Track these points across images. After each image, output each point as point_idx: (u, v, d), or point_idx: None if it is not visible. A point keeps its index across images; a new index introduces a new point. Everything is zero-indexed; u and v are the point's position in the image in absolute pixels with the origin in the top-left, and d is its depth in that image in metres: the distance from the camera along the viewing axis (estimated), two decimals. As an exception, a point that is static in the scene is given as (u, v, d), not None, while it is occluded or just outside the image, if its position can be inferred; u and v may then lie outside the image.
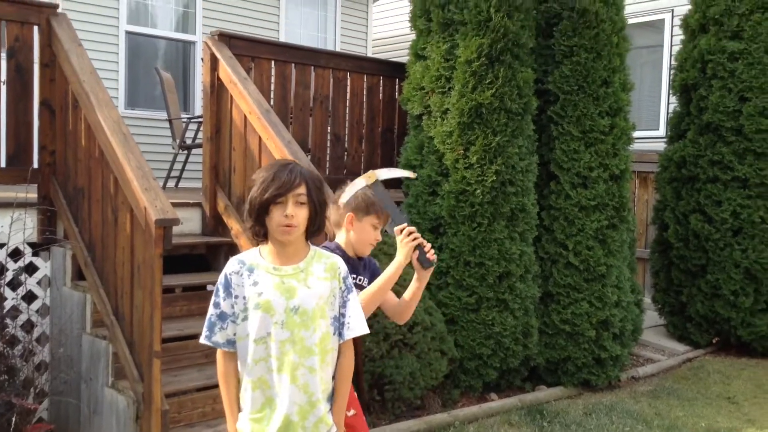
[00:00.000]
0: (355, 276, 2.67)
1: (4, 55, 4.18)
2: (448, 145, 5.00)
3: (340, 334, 2.17)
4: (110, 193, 3.71)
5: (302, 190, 2.05)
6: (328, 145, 5.71)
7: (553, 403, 5.01)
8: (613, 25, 5.28)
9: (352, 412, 2.75)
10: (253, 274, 2.08)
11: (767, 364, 6.05)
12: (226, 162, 4.69)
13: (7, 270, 4.07)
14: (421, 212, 5.11)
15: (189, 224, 4.77)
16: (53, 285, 4.21)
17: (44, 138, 4.27)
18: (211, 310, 2.12)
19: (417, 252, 2.46)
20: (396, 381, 4.39)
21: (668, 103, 8.34)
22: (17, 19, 4.16)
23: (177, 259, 4.47)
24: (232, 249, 4.65)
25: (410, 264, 2.53)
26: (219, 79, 4.69)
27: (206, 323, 2.12)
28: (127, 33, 7.58)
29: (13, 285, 4.10)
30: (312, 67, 5.53)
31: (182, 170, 6.74)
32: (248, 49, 5.08)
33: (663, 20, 8.64)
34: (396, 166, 5.74)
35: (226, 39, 4.85)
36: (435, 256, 2.47)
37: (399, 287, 2.80)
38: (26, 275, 4.14)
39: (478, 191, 4.88)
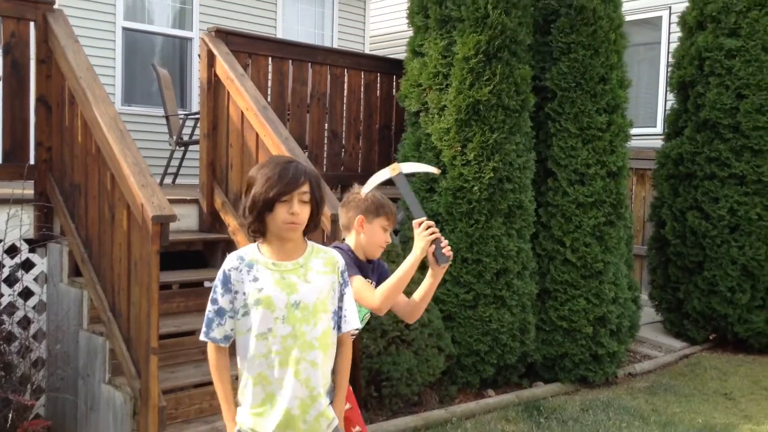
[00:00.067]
0: (364, 279, 2.67)
1: (0, 51, 4.17)
2: (446, 142, 5.00)
3: (339, 328, 2.21)
4: (107, 190, 3.70)
5: (306, 188, 2.08)
6: (326, 141, 5.71)
7: (550, 399, 5.01)
8: (611, 22, 5.28)
9: (348, 406, 2.75)
10: (253, 270, 2.08)
11: (764, 360, 6.07)
12: (223, 158, 4.69)
13: (4, 266, 4.06)
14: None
15: (186, 221, 4.76)
16: (50, 281, 4.20)
17: (41, 134, 4.26)
18: (209, 307, 2.12)
19: (433, 246, 2.45)
20: (393, 377, 4.40)
21: (665, 100, 8.35)
22: (13, 14, 4.14)
23: (174, 256, 4.46)
24: (230, 245, 4.64)
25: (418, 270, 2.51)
26: (216, 75, 4.68)
27: (205, 320, 2.12)
28: (124, 29, 7.57)
29: (10, 281, 4.09)
30: (309, 64, 5.52)
31: (179, 167, 6.73)
32: (245, 46, 5.07)
33: (660, 17, 8.64)
34: (393, 162, 5.74)
35: (223, 35, 4.84)
36: (451, 252, 2.47)
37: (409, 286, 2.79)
38: (23, 272, 4.13)
39: (476, 188, 4.88)
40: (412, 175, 2.60)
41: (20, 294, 4.11)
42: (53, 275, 4.17)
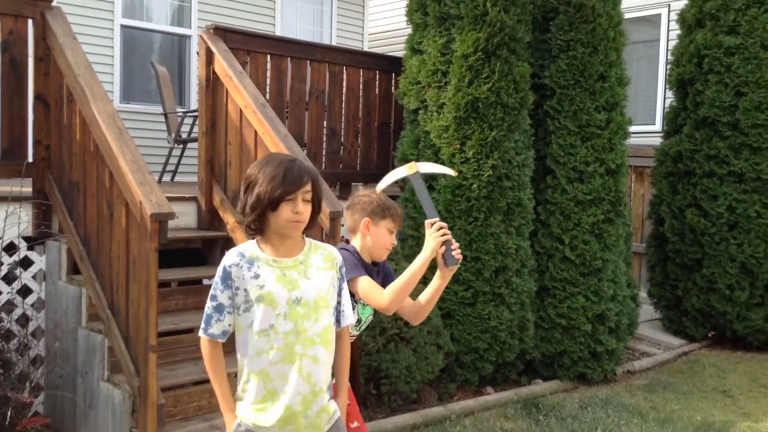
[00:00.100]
0: (371, 279, 2.66)
1: (-2, 48, 4.16)
2: (445, 139, 4.99)
3: (338, 322, 2.24)
4: (105, 187, 3.70)
5: (309, 187, 2.10)
6: (324, 139, 5.70)
7: (548, 396, 5.02)
8: (610, 20, 5.28)
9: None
10: (254, 267, 2.09)
11: (762, 357, 6.07)
12: (222, 156, 4.68)
13: (2, 264, 4.06)
14: (418, 206, 5.10)
15: (184, 218, 4.76)
16: (48, 279, 4.20)
17: (39, 132, 4.25)
18: (209, 303, 2.12)
19: (444, 248, 2.44)
20: (392, 375, 4.40)
21: (664, 98, 8.35)
22: (11, 12, 4.13)
23: (173, 254, 4.46)
24: (228, 243, 4.64)
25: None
26: (214, 73, 4.67)
27: (204, 317, 2.13)
28: (123, 27, 7.56)
29: (8, 279, 4.09)
30: (308, 61, 5.52)
31: (178, 164, 6.73)
32: (244, 43, 5.07)
33: (659, 15, 8.64)
34: (392, 161, 5.74)
35: (222, 33, 4.84)
36: (461, 256, 2.46)
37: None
38: (21, 269, 4.13)
39: (475, 186, 4.88)
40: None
41: (19, 292, 4.11)
42: (52, 273, 4.17)
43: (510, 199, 4.99)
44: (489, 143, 4.90)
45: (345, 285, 2.28)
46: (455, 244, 2.46)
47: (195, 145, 5.48)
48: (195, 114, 6.39)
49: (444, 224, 2.44)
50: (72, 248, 4.02)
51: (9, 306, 4.06)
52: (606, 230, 5.26)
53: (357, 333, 2.85)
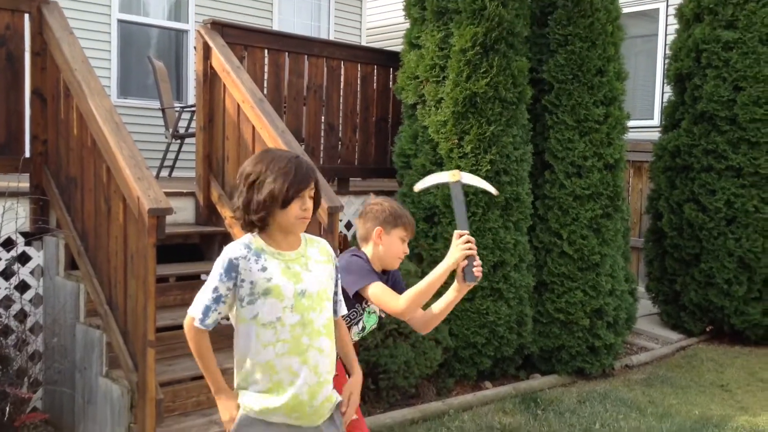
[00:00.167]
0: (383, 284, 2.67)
1: (-6, 43, 4.15)
2: (443, 134, 4.99)
3: (335, 312, 2.30)
4: (103, 183, 3.69)
5: (313, 184, 2.14)
6: (322, 134, 5.69)
7: (547, 391, 5.03)
8: (608, 14, 5.27)
9: None
10: (261, 260, 2.09)
11: (760, 352, 6.09)
12: (220, 151, 4.67)
13: (0, 260, 4.05)
14: (416, 201, 5.10)
15: (182, 214, 4.75)
16: (46, 274, 4.19)
17: (36, 127, 4.24)
18: (209, 295, 2.09)
19: (466, 262, 2.43)
20: (390, 370, 4.40)
21: (663, 93, 8.34)
22: (8, 7, 4.12)
23: (171, 249, 4.45)
24: (226, 238, 4.63)
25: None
26: (212, 67, 4.66)
27: (201, 308, 2.10)
28: (119, 21, 7.54)
29: (6, 275, 4.08)
30: (306, 56, 5.50)
31: (175, 159, 6.72)
32: (241, 38, 5.05)
33: (658, 9, 8.63)
34: (390, 156, 5.74)
35: (219, 27, 4.82)
36: (481, 274, 2.44)
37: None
38: (19, 265, 4.12)
39: (473, 180, 4.87)
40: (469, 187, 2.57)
41: (16, 287, 4.10)
42: (49, 268, 4.17)
43: (508, 194, 4.99)
44: (487, 138, 4.89)
45: (339, 278, 2.34)
46: (478, 261, 2.44)
47: (193, 140, 5.46)
48: (192, 109, 6.37)
49: (472, 239, 2.43)
50: (70, 244, 4.01)
51: (7, 302, 4.05)
52: (604, 225, 5.26)
53: (357, 339, 2.86)
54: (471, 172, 4.88)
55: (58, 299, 4.06)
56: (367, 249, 2.74)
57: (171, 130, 6.45)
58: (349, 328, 2.80)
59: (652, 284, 6.73)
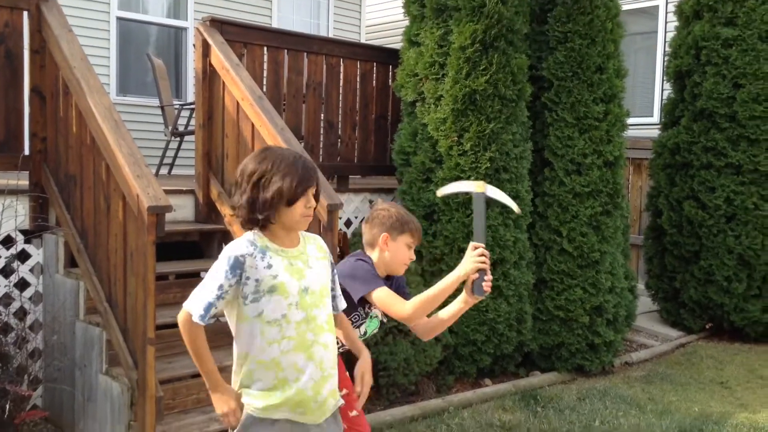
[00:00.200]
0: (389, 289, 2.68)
1: (-7, 41, 4.14)
2: (442, 131, 4.98)
3: (334, 308, 2.32)
4: (102, 180, 3.69)
5: (315, 183, 2.17)
6: (322, 132, 5.68)
7: (546, 388, 5.03)
8: (608, 11, 5.26)
9: (344, 391, 2.77)
10: (266, 257, 2.09)
11: (760, 349, 6.09)
12: (219, 149, 4.67)
13: (0, 257, 4.06)
14: (415, 199, 5.10)
15: (182, 211, 4.75)
16: (46, 272, 4.19)
17: (35, 125, 4.24)
18: (213, 291, 2.06)
19: (477, 275, 2.43)
20: (390, 367, 4.41)
21: (662, 90, 8.33)
22: (6, 4, 4.11)
23: (170, 246, 4.45)
24: (226, 236, 4.63)
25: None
26: (211, 65, 4.66)
27: (203, 303, 2.07)
28: (118, 19, 7.53)
29: (6, 272, 4.08)
30: (305, 54, 5.50)
31: (175, 157, 6.71)
32: (240, 35, 5.04)
33: (657, 6, 8.62)
34: (389, 153, 5.73)
35: (218, 25, 4.82)
36: (489, 289, 2.45)
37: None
38: (18, 262, 4.12)
39: (473, 178, 4.87)
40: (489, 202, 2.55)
41: (16, 285, 4.10)
42: (49, 266, 4.16)
43: (508, 192, 4.98)
44: (487, 135, 4.89)
45: (335, 273, 2.36)
46: (489, 276, 2.44)
47: (192, 137, 5.46)
48: (192, 107, 6.37)
49: (487, 252, 2.42)
50: (69, 241, 4.01)
51: (6, 299, 4.05)
52: (604, 222, 5.26)
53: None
54: (471, 169, 4.89)
55: (58, 297, 4.06)
56: (373, 254, 2.74)
57: (170, 127, 6.45)
58: None
59: (651, 281, 6.73)
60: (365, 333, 2.85)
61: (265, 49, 5.27)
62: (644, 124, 8.23)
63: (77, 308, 3.93)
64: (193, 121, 5.92)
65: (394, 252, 2.70)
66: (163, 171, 6.68)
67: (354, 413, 2.89)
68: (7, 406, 3.52)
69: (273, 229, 2.13)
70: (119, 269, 3.55)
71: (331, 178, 5.67)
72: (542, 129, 5.35)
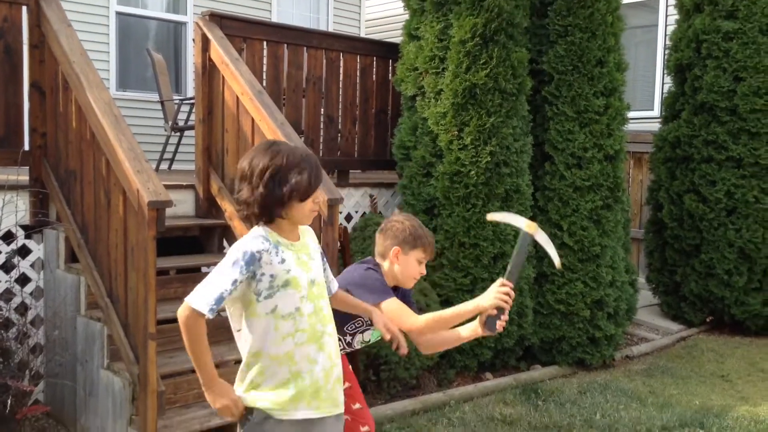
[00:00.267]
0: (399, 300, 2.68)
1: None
2: (442, 126, 4.98)
3: (329, 290, 2.33)
4: (102, 176, 3.68)
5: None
6: (322, 126, 5.68)
7: (547, 382, 5.03)
8: (608, 5, 5.25)
9: (347, 385, 2.78)
10: (279, 252, 2.09)
11: (760, 342, 6.09)
12: (219, 144, 4.66)
13: (0, 253, 4.05)
14: (416, 194, 5.10)
15: (182, 206, 4.74)
16: (47, 267, 4.19)
17: (35, 120, 4.23)
18: (226, 286, 2.00)
19: (495, 312, 2.42)
20: (391, 361, 4.41)
21: (663, 83, 8.32)
22: (5, -1, 4.11)
23: (171, 242, 4.45)
24: (226, 231, 4.64)
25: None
26: (210, 60, 4.64)
27: (213, 296, 2.00)
28: (118, 14, 7.51)
29: (6, 268, 4.08)
30: (305, 48, 5.48)
31: (175, 152, 6.70)
32: (240, 30, 5.03)
33: (658, 0, 8.60)
34: (389, 148, 5.73)
35: (218, 19, 4.80)
36: (502, 328, 2.44)
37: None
38: (19, 258, 4.12)
39: (473, 172, 4.87)
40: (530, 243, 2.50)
41: (17, 280, 4.10)
42: (50, 261, 4.17)
43: (508, 186, 4.99)
44: (487, 129, 4.88)
45: (326, 259, 2.37)
46: (506, 317, 2.43)
47: (192, 132, 5.45)
48: (192, 101, 6.35)
49: (512, 293, 2.41)
50: (70, 236, 4.01)
51: (7, 295, 4.05)
52: (604, 216, 5.26)
53: (359, 347, 2.87)
54: (471, 163, 4.88)
55: (59, 292, 4.06)
56: (384, 264, 2.74)
57: (170, 122, 6.44)
58: (353, 336, 2.80)
59: (652, 275, 6.73)
60: (369, 340, 2.85)
61: (265, 43, 5.26)
62: (645, 118, 8.22)
63: (78, 303, 3.93)
64: (193, 116, 5.92)
65: (405, 266, 2.69)
66: (163, 166, 6.67)
67: (357, 406, 2.90)
68: (9, 401, 3.52)
69: (281, 224, 2.13)
70: (120, 264, 3.55)
71: (332, 172, 5.66)
72: (543, 123, 5.34)
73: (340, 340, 2.73)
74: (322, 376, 2.13)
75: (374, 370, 4.43)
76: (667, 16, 8.41)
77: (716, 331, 6.43)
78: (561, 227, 5.22)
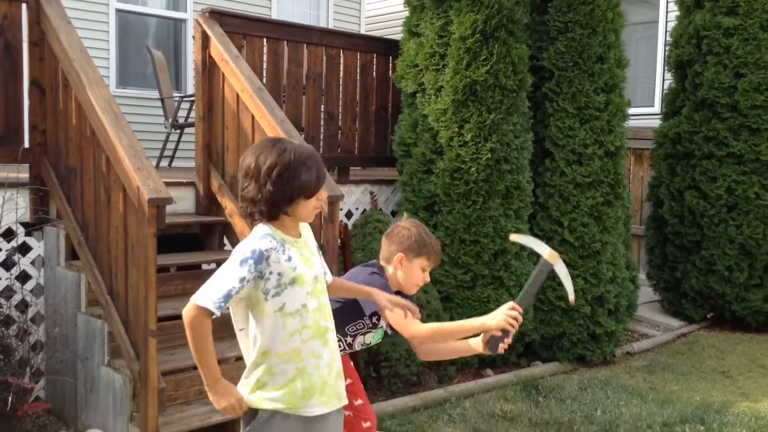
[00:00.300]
0: None
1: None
2: (443, 122, 4.97)
3: (327, 281, 2.34)
4: (102, 173, 3.68)
5: None
6: (322, 123, 5.67)
7: (548, 378, 5.04)
8: (608, 1, 5.24)
9: (349, 381, 2.78)
10: (286, 249, 2.09)
11: (761, 338, 6.10)
12: (219, 141, 4.66)
13: (0, 250, 4.05)
14: (416, 190, 5.10)
15: (183, 204, 4.74)
16: (47, 265, 4.19)
17: (35, 117, 4.23)
18: (233, 283, 1.99)
19: (500, 333, 2.42)
20: (392, 358, 4.41)
21: (663, 80, 8.31)
22: (5, -4, 4.10)
23: (171, 239, 4.45)
24: (227, 228, 4.64)
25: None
26: (210, 57, 4.64)
27: (221, 293, 1.98)
28: (118, 11, 7.51)
29: (7, 265, 4.08)
30: (305, 45, 5.48)
31: (175, 149, 6.70)
32: (240, 27, 5.03)
33: (658, -4, 8.58)
34: (390, 144, 5.72)
35: (218, 16, 4.80)
36: (503, 351, 2.45)
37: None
38: (19, 255, 4.12)
39: (473, 169, 4.86)
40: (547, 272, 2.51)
41: (18, 278, 4.10)
42: (50, 259, 4.17)
43: (509, 182, 4.98)
44: (487, 126, 4.88)
45: (321, 253, 2.38)
46: (509, 340, 2.43)
47: (192, 130, 5.45)
48: (192, 99, 6.35)
49: (520, 318, 2.40)
50: (70, 234, 4.01)
51: (8, 292, 4.06)
52: (605, 213, 5.25)
53: (359, 349, 2.88)
54: (471, 160, 4.88)
55: (59, 289, 4.06)
56: (388, 269, 2.73)
57: (170, 119, 6.43)
58: (353, 337, 2.80)
59: (653, 271, 6.73)
60: (370, 343, 2.85)
61: (265, 40, 5.25)
62: (645, 114, 8.21)
63: (79, 300, 3.93)
64: (193, 113, 5.92)
65: (408, 273, 2.69)
66: (164, 163, 6.67)
67: (359, 402, 2.91)
68: (10, 399, 3.53)
69: (285, 221, 2.12)
70: (120, 261, 3.55)
71: (332, 169, 5.66)
72: (543, 119, 5.33)
73: (340, 340, 2.74)
74: (327, 372, 2.15)
75: (375, 366, 4.44)
76: (667, 12, 8.39)
77: (717, 327, 6.43)
78: (561, 224, 5.22)
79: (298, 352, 2.09)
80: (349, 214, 5.60)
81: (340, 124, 5.79)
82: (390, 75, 5.94)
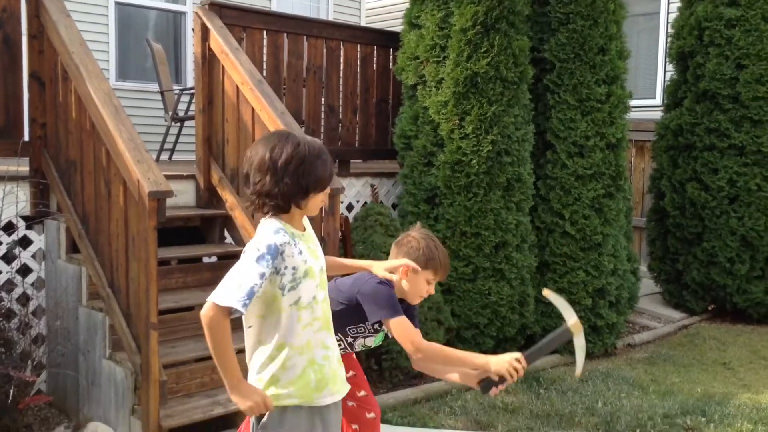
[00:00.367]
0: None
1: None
2: (444, 115, 4.96)
3: None
4: (102, 166, 3.67)
5: None
6: (322, 116, 5.66)
7: (549, 370, 5.04)
8: (610, -8, 5.22)
9: (351, 373, 2.79)
10: (297, 243, 2.09)
11: (762, 330, 6.10)
12: (219, 134, 4.65)
13: (1, 244, 4.05)
14: (417, 183, 5.09)
15: (183, 197, 4.74)
16: (48, 258, 4.19)
17: (34, 111, 4.22)
18: (256, 280, 1.95)
19: (497, 378, 2.44)
20: (393, 350, 4.42)
21: (665, 71, 8.29)
22: (4, -11, 4.09)
23: (172, 232, 4.45)
24: (227, 221, 4.63)
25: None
26: (210, 49, 4.62)
27: (244, 291, 1.93)
28: (117, 4, 7.48)
29: (8, 259, 4.08)
30: (305, 37, 5.46)
31: (175, 142, 6.69)
32: (240, 19, 5.01)
33: (660, -13, 8.55)
34: (390, 137, 5.71)
35: (217, 9, 4.78)
36: (494, 395, 2.48)
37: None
38: (20, 248, 4.12)
39: (474, 161, 4.85)
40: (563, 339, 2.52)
41: (18, 271, 4.10)
42: (51, 252, 4.16)
43: (510, 175, 4.97)
44: (488, 118, 4.86)
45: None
46: (503, 387, 2.45)
47: (192, 123, 5.44)
48: (192, 91, 6.33)
49: (522, 373, 2.42)
50: (71, 227, 4.00)
51: (9, 285, 4.06)
52: (606, 205, 5.24)
53: (360, 350, 2.89)
54: (472, 152, 4.87)
55: (60, 282, 4.06)
56: (394, 276, 2.72)
57: (170, 113, 6.42)
58: (354, 339, 2.80)
59: (654, 263, 6.73)
60: (371, 345, 2.85)
61: (265, 32, 5.23)
62: (647, 106, 8.19)
63: (80, 293, 3.93)
64: (193, 106, 5.90)
65: (413, 284, 2.68)
66: (164, 156, 6.65)
67: (363, 393, 2.91)
68: (12, 391, 3.53)
69: (294, 214, 2.12)
70: (121, 254, 3.55)
71: (332, 162, 5.64)
72: (544, 111, 5.32)
73: (341, 340, 2.74)
74: (335, 361, 2.20)
75: (376, 359, 4.44)
76: (669, 3, 8.36)
77: (718, 319, 6.43)
78: (563, 216, 5.21)
79: (309, 344, 2.11)
80: (350, 207, 5.59)
81: (340, 116, 5.77)
82: (390, 67, 5.92)
